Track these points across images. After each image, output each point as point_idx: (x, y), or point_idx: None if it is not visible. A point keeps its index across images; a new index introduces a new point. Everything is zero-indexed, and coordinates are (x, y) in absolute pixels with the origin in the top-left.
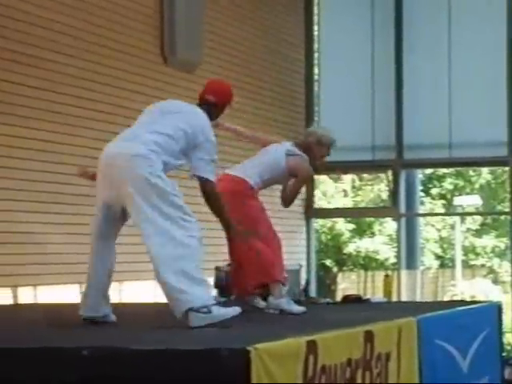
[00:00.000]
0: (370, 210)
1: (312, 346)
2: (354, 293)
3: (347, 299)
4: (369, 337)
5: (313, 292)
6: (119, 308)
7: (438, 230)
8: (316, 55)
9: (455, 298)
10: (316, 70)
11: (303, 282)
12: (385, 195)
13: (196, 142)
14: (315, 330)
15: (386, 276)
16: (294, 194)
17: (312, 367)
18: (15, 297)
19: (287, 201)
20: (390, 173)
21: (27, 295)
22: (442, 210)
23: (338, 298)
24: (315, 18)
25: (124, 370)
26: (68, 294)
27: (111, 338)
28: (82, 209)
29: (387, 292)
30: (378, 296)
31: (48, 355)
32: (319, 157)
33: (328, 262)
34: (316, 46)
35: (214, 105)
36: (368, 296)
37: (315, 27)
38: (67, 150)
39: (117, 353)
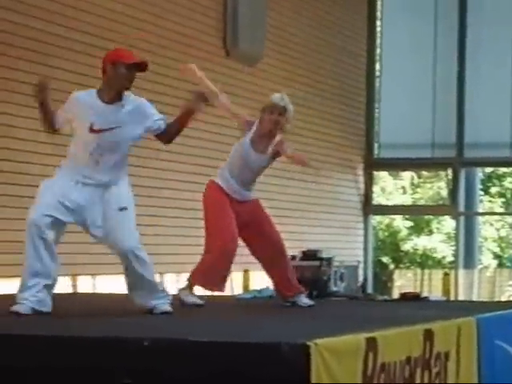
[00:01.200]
0: (428, 207)
1: (372, 343)
2: (410, 290)
3: (405, 297)
4: (428, 335)
5: (369, 289)
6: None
7: (497, 229)
8: (378, 51)
9: None
10: (377, 66)
11: (361, 278)
12: (444, 193)
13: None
14: (374, 326)
15: (445, 274)
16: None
17: (371, 364)
18: (74, 286)
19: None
20: (449, 171)
21: (86, 284)
22: (502, 209)
23: (394, 295)
24: (378, 13)
25: (183, 361)
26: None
27: (169, 329)
28: (145, 200)
29: (445, 290)
30: (436, 294)
31: (109, 345)
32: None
33: (385, 259)
34: (378, 41)
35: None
36: (425, 294)
37: (378, 22)
38: None
39: (176, 344)
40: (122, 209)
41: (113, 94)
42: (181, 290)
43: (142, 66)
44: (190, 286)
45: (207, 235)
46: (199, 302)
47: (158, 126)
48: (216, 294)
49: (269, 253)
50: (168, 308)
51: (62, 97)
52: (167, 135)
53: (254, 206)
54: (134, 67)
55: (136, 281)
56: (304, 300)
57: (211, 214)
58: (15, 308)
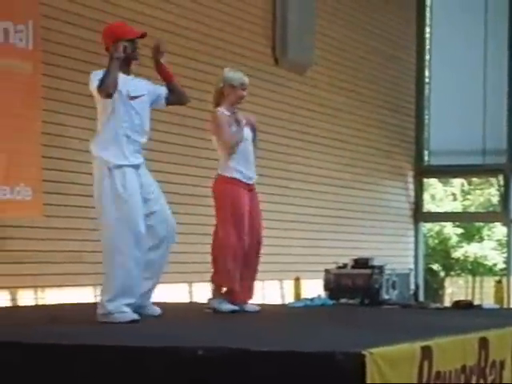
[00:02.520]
0: (479, 214)
1: (427, 352)
2: (462, 298)
3: (458, 305)
4: (483, 344)
5: (421, 297)
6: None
7: None
8: (427, 57)
9: None
10: (427, 73)
11: (412, 286)
12: (495, 200)
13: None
14: (429, 335)
15: (498, 282)
16: None
17: (427, 373)
18: None
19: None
20: (500, 177)
21: None
22: None
23: (446, 302)
24: (427, 20)
25: (236, 370)
26: (177, 292)
27: (223, 338)
28: (191, 208)
29: (498, 298)
30: (488, 302)
31: (162, 355)
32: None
33: (435, 267)
34: (427, 47)
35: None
36: (477, 302)
37: (427, 29)
38: (180, 151)
39: (230, 353)
40: None
41: (124, 67)
42: (211, 299)
43: (141, 37)
44: (218, 292)
45: (218, 229)
46: (235, 308)
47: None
48: (267, 302)
49: (249, 249)
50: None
51: None
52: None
53: (255, 197)
54: (135, 39)
55: None
56: (252, 306)
57: (227, 212)
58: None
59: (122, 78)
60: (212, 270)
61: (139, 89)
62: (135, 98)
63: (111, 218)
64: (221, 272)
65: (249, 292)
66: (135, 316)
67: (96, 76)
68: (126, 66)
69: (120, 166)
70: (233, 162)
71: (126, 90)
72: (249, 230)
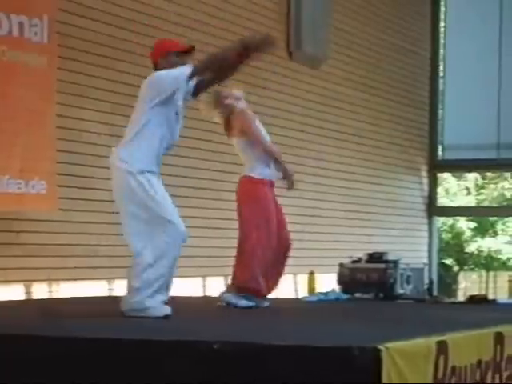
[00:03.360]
0: (493, 208)
1: (442, 347)
2: (476, 293)
3: (473, 299)
4: (499, 338)
5: (435, 291)
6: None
7: None
8: (442, 51)
9: None
10: (441, 67)
11: (426, 280)
12: (509, 194)
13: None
14: (444, 330)
15: None
16: None
17: (442, 368)
18: None
19: None
20: None
21: None
22: None
23: (460, 297)
24: (442, 14)
25: (252, 365)
26: (192, 286)
27: (238, 332)
28: (206, 203)
29: None
30: (502, 296)
31: (177, 348)
32: None
33: (448, 261)
34: (442, 41)
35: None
36: (491, 296)
37: (441, 23)
38: (195, 145)
39: (246, 348)
40: None
41: None
42: (226, 293)
43: (190, 50)
44: (236, 288)
45: (247, 232)
46: (251, 304)
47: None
48: (281, 296)
49: (277, 248)
50: None
51: (130, 101)
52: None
53: (274, 194)
54: (183, 53)
55: None
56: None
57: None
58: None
59: None
60: (235, 265)
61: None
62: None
63: (159, 217)
64: (246, 271)
65: (271, 290)
66: (169, 310)
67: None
68: None
69: (144, 172)
70: (260, 161)
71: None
72: (277, 229)
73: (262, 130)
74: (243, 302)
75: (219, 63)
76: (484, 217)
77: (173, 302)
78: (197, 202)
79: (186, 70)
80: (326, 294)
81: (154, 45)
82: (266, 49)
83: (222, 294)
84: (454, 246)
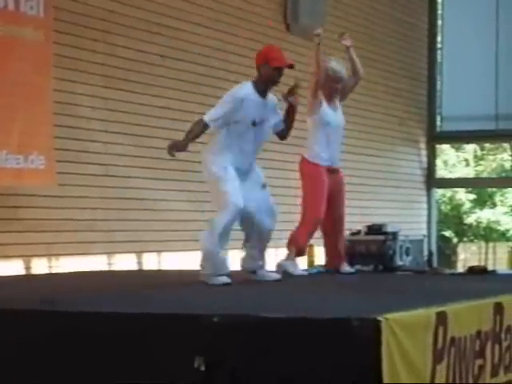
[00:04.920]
0: (491, 180)
1: (442, 317)
2: (476, 264)
3: (472, 270)
4: (498, 309)
5: (434, 263)
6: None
7: None
8: (439, 22)
9: None
10: (439, 38)
11: (426, 252)
12: (507, 165)
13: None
14: (444, 300)
15: None
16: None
17: (442, 339)
18: (140, 263)
19: None
20: None
21: (152, 261)
22: None
23: (459, 268)
24: None
25: (252, 337)
26: (191, 260)
27: (238, 305)
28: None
29: None
30: (502, 267)
31: (178, 321)
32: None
33: (447, 233)
34: (439, 12)
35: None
36: (490, 267)
37: None
38: (190, 118)
39: (246, 320)
40: (265, 185)
41: (265, 88)
42: (284, 261)
43: (290, 66)
44: (294, 254)
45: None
46: (304, 273)
47: (280, 126)
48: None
49: (333, 223)
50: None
51: (125, 75)
52: (284, 134)
53: (340, 178)
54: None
55: None
56: (346, 268)
57: (310, 189)
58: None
59: (258, 101)
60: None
61: (263, 115)
62: (258, 124)
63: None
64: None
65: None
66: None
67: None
68: (264, 87)
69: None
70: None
71: (253, 118)
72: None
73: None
74: (298, 271)
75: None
76: (483, 188)
77: (173, 275)
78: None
79: (208, 115)
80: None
81: (264, 49)
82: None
83: (281, 262)
84: (452, 218)
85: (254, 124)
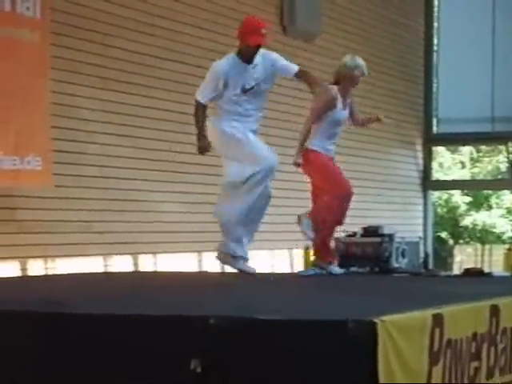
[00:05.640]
0: (487, 182)
1: (438, 319)
2: (472, 266)
3: (469, 272)
4: (494, 311)
5: (430, 265)
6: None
7: None
8: (435, 24)
9: None
10: (435, 40)
11: (422, 254)
12: (503, 167)
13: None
14: (440, 302)
15: (509, 249)
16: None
17: (438, 341)
18: (135, 264)
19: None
20: (509, 145)
21: (147, 263)
22: None
23: (455, 271)
24: None
25: (248, 339)
26: (186, 262)
27: (234, 306)
28: (202, 178)
29: (508, 266)
30: (498, 270)
31: (173, 323)
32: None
33: (444, 235)
34: (436, 14)
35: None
36: (486, 270)
37: None
38: (185, 120)
39: (242, 322)
40: None
41: (248, 55)
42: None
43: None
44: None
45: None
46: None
47: (287, 71)
48: (277, 271)
49: None
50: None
51: (122, 76)
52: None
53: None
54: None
55: None
56: (336, 268)
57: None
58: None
59: (243, 69)
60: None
61: (255, 79)
62: (250, 89)
63: None
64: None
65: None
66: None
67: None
68: (247, 54)
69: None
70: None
71: (242, 85)
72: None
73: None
74: (337, 270)
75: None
76: (479, 190)
77: (168, 276)
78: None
79: (200, 94)
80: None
81: (244, 21)
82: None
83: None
84: (448, 220)
85: (244, 91)
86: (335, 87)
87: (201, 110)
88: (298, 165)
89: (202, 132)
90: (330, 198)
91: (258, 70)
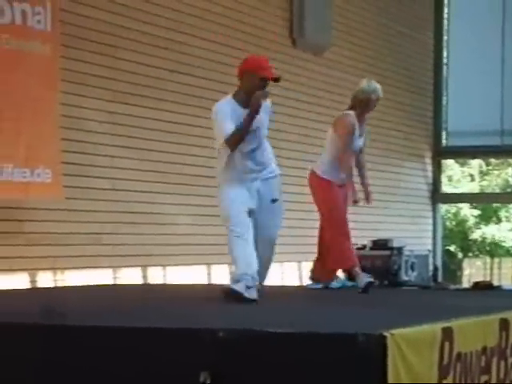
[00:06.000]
0: (497, 195)
1: (448, 333)
2: (481, 279)
3: (478, 286)
4: (504, 325)
5: (439, 278)
6: None
7: None
8: (445, 38)
9: None
10: (445, 53)
11: (431, 267)
12: None
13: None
14: (449, 316)
15: None
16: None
17: (447, 354)
18: (145, 277)
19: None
20: None
21: (157, 275)
22: None
23: (464, 284)
24: (445, 0)
25: (257, 352)
26: (196, 275)
27: (243, 320)
28: (212, 191)
29: None
30: (507, 283)
31: (183, 336)
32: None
33: (452, 248)
34: (445, 28)
35: (238, 78)
36: (495, 283)
37: (445, 9)
38: (197, 132)
39: (251, 335)
40: (274, 200)
41: (246, 98)
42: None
43: (276, 80)
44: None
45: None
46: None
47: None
48: (286, 284)
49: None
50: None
51: (131, 89)
52: None
53: (345, 192)
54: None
55: None
56: (334, 283)
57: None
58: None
59: (240, 112)
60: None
61: (254, 124)
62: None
63: None
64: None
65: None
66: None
67: (220, 112)
68: (245, 97)
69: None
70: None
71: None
72: None
73: (353, 144)
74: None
75: (243, 134)
76: (488, 203)
77: (178, 289)
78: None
79: (227, 130)
80: None
81: (248, 58)
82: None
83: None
84: (457, 234)
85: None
86: (352, 113)
87: (233, 133)
88: (355, 202)
89: (245, 116)
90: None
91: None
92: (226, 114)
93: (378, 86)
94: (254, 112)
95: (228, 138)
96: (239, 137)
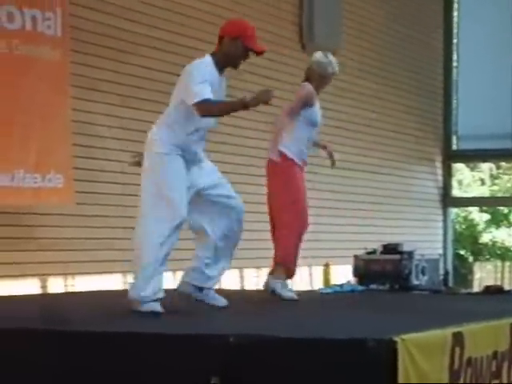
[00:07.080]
0: (507, 199)
1: (458, 338)
2: (492, 283)
3: (489, 290)
4: None
5: (450, 282)
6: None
7: None
8: (455, 41)
9: None
10: (455, 56)
11: (442, 271)
12: None
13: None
14: (460, 321)
15: None
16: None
17: (458, 359)
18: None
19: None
20: None
21: (168, 280)
22: None
23: (475, 288)
24: (455, 4)
25: (268, 357)
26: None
27: (254, 325)
28: None
29: None
30: None
31: (194, 341)
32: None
33: (463, 252)
34: (455, 31)
35: (219, 39)
36: (506, 287)
37: (454, 12)
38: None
39: (262, 340)
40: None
41: (224, 65)
42: (273, 279)
43: (260, 53)
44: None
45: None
46: (295, 297)
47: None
48: (296, 288)
49: None
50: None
51: (141, 94)
52: None
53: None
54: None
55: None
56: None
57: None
58: None
59: (217, 80)
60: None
61: (220, 95)
62: None
63: None
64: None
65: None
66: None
67: (198, 73)
68: (224, 64)
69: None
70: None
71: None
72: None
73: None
74: (288, 294)
75: (222, 114)
76: (499, 207)
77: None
78: None
79: (204, 94)
80: (341, 285)
81: (233, 21)
82: (264, 103)
83: (269, 279)
84: (468, 237)
85: None
86: (309, 84)
87: (211, 102)
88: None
89: (238, 101)
90: (288, 235)
91: (223, 87)
92: (205, 79)
93: (335, 60)
94: (252, 106)
95: (203, 102)
96: (215, 112)
